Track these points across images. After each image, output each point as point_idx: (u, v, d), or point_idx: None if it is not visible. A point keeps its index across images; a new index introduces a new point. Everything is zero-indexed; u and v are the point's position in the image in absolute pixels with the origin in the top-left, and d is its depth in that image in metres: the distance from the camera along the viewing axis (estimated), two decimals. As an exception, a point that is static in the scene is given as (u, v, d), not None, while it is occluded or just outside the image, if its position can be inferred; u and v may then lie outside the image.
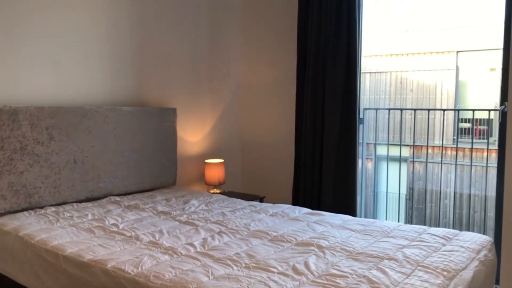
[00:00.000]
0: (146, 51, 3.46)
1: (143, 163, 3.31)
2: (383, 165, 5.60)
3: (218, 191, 3.84)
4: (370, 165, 6.43)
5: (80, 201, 2.93)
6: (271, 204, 3.02)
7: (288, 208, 2.89)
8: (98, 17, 3.12)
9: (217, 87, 4.10)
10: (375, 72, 8.67)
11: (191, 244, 2.08)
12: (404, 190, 6.52)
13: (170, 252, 1.97)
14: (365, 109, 4.02)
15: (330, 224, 2.50)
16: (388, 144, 4.07)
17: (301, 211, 2.81)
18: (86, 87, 3.08)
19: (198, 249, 2.03)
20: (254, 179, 4.31)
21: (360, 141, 3.75)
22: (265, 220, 2.55)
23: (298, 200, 3.85)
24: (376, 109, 4.01)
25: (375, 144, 4.22)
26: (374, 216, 4.80)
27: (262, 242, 2.15)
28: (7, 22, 2.66)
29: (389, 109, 4.37)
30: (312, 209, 3.67)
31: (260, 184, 4.23)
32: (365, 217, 4.14)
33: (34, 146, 2.69)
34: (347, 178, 3.61)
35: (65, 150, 2.84)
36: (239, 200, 3.15)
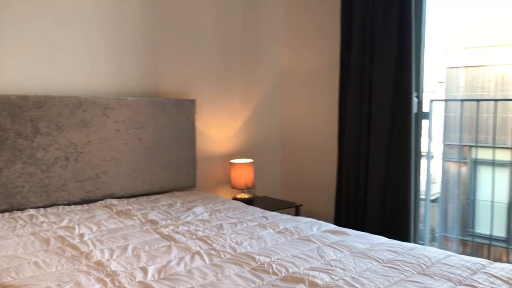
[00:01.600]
0: (162, 31, 3.04)
1: (153, 162, 2.90)
2: (479, 170, 4.70)
3: (246, 196, 3.32)
4: (464, 169, 5.50)
5: (74, 204, 2.59)
6: (289, 217, 2.43)
7: (306, 223, 2.28)
8: (101, -4, 2.77)
9: (252, 76, 3.58)
10: (471, 66, 7.52)
11: (144, 269, 1.59)
12: (504, 199, 5.52)
13: (109, 279, 1.50)
14: (432, 100, 3.25)
15: (350, 249, 1.86)
16: (460, 145, 3.25)
17: (321, 228, 2.19)
18: (84, 73, 2.73)
19: (148, 278, 1.53)
20: (293, 183, 3.72)
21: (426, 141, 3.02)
22: (265, 239, 1.98)
23: (340, 211, 3.20)
24: (445, 101, 3.21)
25: (444, 145, 3.41)
26: (467, 228, 3.94)
27: (238, 272, 1.60)
28: (-11, 2, 2.38)
29: (462, 101, 3.52)
30: (356, 224, 3.02)
31: (300, 189, 3.63)
32: (439, 232, 3.35)
33: (16, 140, 2.38)
34: (400, 185, 2.89)
35: (54, 145, 2.51)
36: (255, 209, 2.61)
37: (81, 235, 1.99)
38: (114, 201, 2.63)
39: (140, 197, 2.79)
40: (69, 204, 2.57)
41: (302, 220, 2.33)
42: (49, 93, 2.58)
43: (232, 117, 3.49)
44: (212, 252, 1.79)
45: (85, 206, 2.52)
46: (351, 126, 3.08)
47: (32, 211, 2.34)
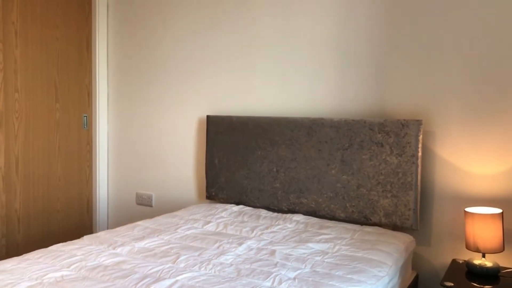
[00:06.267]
0: (393, 49, 2.66)
1: (357, 187, 2.67)
2: None
3: (487, 264, 2.24)
4: None
5: (282, 211, 2.95)
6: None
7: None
8: (327, 20, 2.86)
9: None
10: None
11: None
12: None
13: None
14: None
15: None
16: None
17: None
18: (308, 96, 2.95)
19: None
20: None
21: None
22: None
23: None
24: None
25: None
26: None
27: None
28: (245, 42, 3.19)
29: None
30: None
31: None
32: None
33: (244, 151, 3.09)
34: None
35: (268, 158, 2.98)
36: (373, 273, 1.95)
37: (172, 232, 2.50)
38: (297, 217, 2.74)
39: (329, 222, 2.68)
40: (278, 211, 2.96)
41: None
42: (278, 114, 3.06)
43: (507, 150, 2.37)
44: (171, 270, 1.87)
45: (274, 214, 2.83)
46: None
47: (234, 208, 2.97)
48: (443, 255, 2.57)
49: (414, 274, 2.52)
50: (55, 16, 3.52)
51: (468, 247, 2.29)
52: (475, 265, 2.25)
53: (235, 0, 3.20)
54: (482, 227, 2.22)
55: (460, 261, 2.43)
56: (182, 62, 3.48)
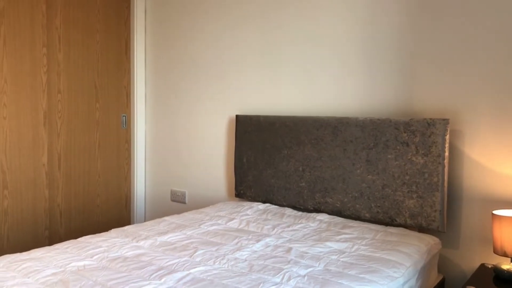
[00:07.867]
0: (421, 48, 2.60)
1: (381, 189, 2.63)
2: None
3: None
4: None
5: (307, 210, 2.96)
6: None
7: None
8: (353, 20, 2.84)
9: None
10: None
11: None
12: None
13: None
14: None
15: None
16: None
17: None
18: (335, 95, 2.94)
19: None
20: None
21: None
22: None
23: None
24: None
25: None
26: None
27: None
28: (272, 43, 3.22)
29: None
30: None
31: None
32: None
33: (271, 150, 3.12)
34: None
35: (295, 157, 3.00)
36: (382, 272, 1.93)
37: (209, 228, 2.56)
38: (321, 216, 2.74)
39: (352, 221, 2.66)
40: (304, 210, 2.97)
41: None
42: (304, 114, 3.06)
43: (534, 145, 2.26)
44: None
45: (299, 213, 2.84)
46: None
47: (259, 206, 3.00)
48: (472, 259, 2.48)
49: (440, 278, 2.45)
50: (96, 21, 3.71)
51: (495, 251, 2.20)
52: (502, 270, 2.15)
53: (262, 3, 3.24)
54: (511, 230, 2.12)
55: (489, 266, 2.34)
56: (214, 64, 3.56)
